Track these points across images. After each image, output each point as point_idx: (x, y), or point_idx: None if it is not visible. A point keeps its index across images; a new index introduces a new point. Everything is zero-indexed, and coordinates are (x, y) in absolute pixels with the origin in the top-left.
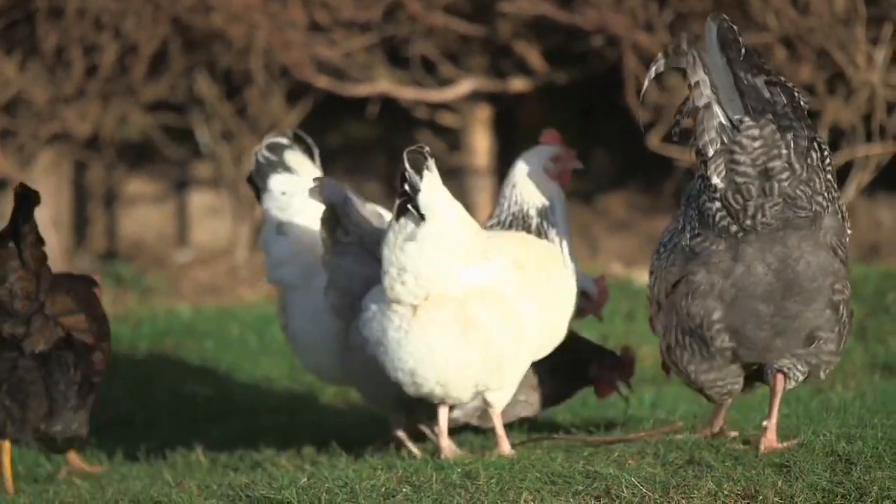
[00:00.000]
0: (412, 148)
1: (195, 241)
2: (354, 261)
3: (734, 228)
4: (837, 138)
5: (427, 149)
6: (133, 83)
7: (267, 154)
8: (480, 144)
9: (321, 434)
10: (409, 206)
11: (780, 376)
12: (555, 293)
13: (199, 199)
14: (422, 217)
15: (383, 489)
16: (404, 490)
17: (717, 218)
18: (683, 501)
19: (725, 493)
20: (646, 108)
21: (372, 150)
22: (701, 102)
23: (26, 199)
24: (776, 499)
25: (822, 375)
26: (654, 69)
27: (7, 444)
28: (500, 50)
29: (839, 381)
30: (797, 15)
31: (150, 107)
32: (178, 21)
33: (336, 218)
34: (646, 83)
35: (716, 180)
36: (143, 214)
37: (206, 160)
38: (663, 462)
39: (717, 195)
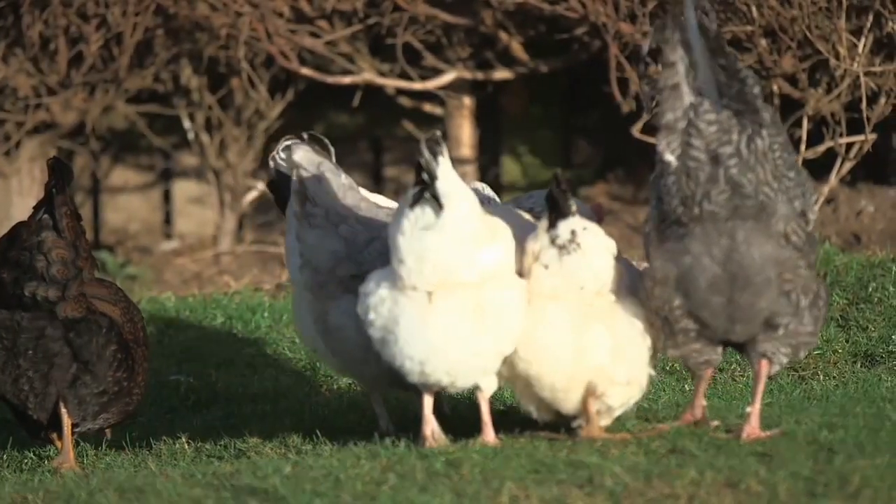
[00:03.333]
0: (429, 135)
1: (180, 230)
2: (320, 236)
3: (685, 218)
4: (819, 128)
5: (440, 135)
6: (118, 72)
7: (284, 157)
8: (464, 134)
9: (305, 422)
10: (427, 194)
11: (763, 361)
12: None
13: (184, 189)
14: (440, 205)
15: (367, 478)
16: (389, 478)
17: (674, 204)
18: (666, 490)
19: (708, 481)
20: (630, 97)
21: (355, 139)
22: (670, 82)
23: (56, 172)
24: (758, 487)
25: (801, 355)
26: (646, 45)
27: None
28: (484, 39)
29: (821, 370)
30: (779, 4)
31: (134, 96)
32: (162, 10)
33: (305, 188)
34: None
35: (669, 157)
36: (127, 203)
37: (191, 149)
38: (646, 451)
39: (672, 173)
